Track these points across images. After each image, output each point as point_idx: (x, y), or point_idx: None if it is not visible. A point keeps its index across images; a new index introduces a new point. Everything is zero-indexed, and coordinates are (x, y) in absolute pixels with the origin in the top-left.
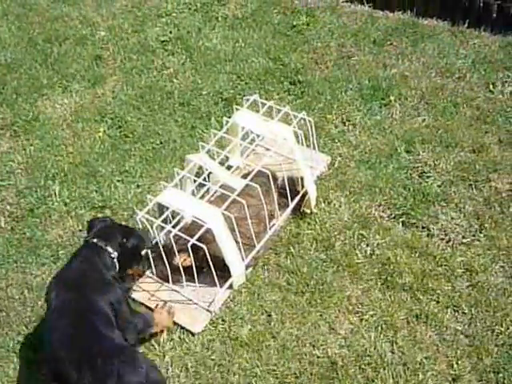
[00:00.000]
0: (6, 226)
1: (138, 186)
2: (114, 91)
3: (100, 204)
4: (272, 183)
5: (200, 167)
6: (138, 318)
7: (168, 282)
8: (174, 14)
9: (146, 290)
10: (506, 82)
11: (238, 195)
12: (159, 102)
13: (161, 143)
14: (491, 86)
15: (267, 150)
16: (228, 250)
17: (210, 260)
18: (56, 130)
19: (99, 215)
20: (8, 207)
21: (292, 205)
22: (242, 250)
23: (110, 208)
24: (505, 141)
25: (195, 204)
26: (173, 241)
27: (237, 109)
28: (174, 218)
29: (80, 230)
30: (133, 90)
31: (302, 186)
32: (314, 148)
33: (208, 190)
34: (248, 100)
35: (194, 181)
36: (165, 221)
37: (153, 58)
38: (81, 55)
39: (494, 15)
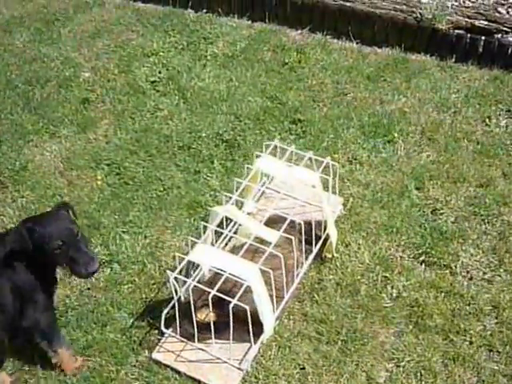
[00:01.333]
0: None
1: (145, 237)
2: (106, 135)
3: (107, 258)
4: (298, 230)
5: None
6: None
7: (193, 340)
8: (162, 53)
9: (170, 350)
10: (499, 115)
11: (261, 244)
12: (157, 145)
13: (164, 190)
14: (487, 120)
15: (284, 194)
16: (264, 307)
17: (233, 315)
18: (48, 179)
19: (107, 271)
20: None
21: (315, 251)
22: (274, 302)
23: (118, 262)
24: (509, 174)
25: (231, 260)
26: (209, 299)
27: (258, 155)
28: (194, 270)
29: (88, 289)
30: (127, 133)
31: (320, 230)
32: (335, 192)
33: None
34: (269, 145)
35: (218, 232)
36: (185, 275)
37: (144, 99)
38: (66, 98)
39: (481, 50)
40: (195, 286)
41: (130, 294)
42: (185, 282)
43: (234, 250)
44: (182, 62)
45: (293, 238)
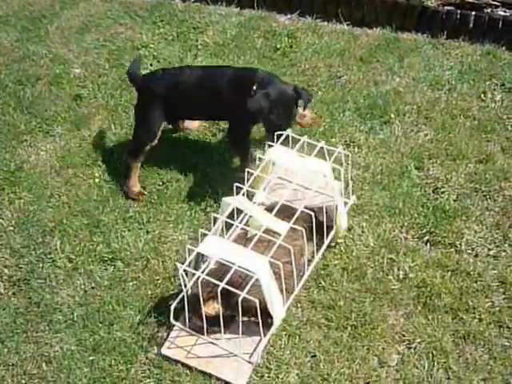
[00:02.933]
0: (6, 292)
1: (147, 233)
2: (101, 131)
3: (109, 256)
4: (307, 220)
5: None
6: None
7: (203, 334)
8: (152, 46)
9: (180, 345)
10: (494, 89)
11: (269, 236)
12: None
13: (163, 183)
14: (482, 95)
15: (289, 182)
16: (274, 299)
17: (242, 307)
18: (45, 179)
19: (110, 269)
20: (6, 270)
21: (327, 241)
22: (284, 293)
23: (121, 260)
24: (507, 148)
25: (240, 252)
26: (219, 292)
27: (269, 145)
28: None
29: (92, 288)
30: (122, 128)
31: (330, 220)
32: (347, 182)
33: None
34: (281, 135)
35: (228, 224)
36: (194, 267)
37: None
38: (58, 96)
39: (471, 25)
40: (203, 279)
41: (135, 290)
42: (193, 274)
43: (245, 241)
44: (172, 53)
45: (303, 229)
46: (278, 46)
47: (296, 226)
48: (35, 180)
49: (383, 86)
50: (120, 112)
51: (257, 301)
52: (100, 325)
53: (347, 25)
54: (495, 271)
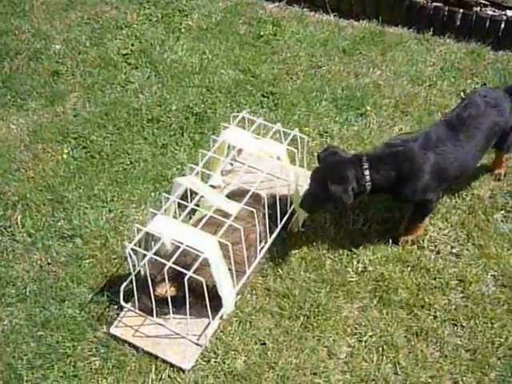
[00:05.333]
0: None
1: (109, 211)
2: (75, 109)
3: (69, 233)
4: (262, 204)
5: (185, 189)
6: None
7: (152, 315)
8: (135, 26)
9: (129, 325)
10: (475, 88)
11: (223, 217)
12: (126, 118)
13: (131, 163)
14: (462, 93)
15: (249, 167)
16: (223, 281)
17: (193, 289)
18: (13, 152)
19: (69, 245)
20: None
21: (280, 225)
22: (234, 276)
23: (81, 237)
24: None
25: (188, 232)
26: (165, 272)
27: (224, 126)
28: (155, 243)
29: (49, 264)
30: (96, 107)
31: (286, 204)
32: (303, 166)
33: (190, 212)
34: (236, 117)
35: (179, 204)
36: (146, 248)
37: (115, 72)
38: (35, 71)
39: (458, 23)
40: (154, 260)
41: (90, 268)
42: (145, 254)
43: (198, 223)
44: (155, 34)
45: (255, 210)
46: (262, 34)
47: (247, 207)
48: (3, 153)
49: (363, 78)
50: (96, 90)
51: (203, 280)
52: (52, 301)
53: (334, 16)
54: (455, 269)
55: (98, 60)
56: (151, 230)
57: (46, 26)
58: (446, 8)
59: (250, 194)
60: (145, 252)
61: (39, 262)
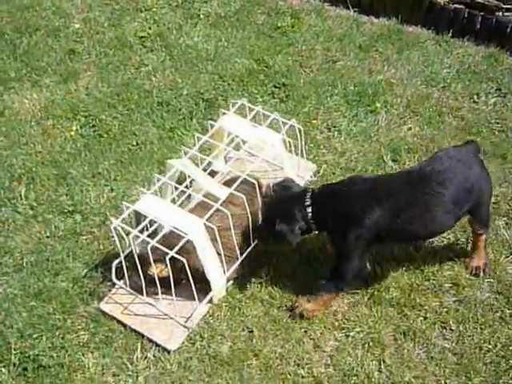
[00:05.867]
0: None
1: (111, 190)
2: (87, 88)
3: (70, 209)
4: (258, 192)
5: (181, 173)
6: None
7: (142, 294)
8: (154, 9)
9: (119, 302)
10: (489, 93)
11: (220, 204)
12: (136, 100)
13: (137, 144)
14: (475, 97)
15: (252, 156)
16: (209, 263)
17: (188, 272)
18: (23, 126)
19: (68, 221)
20: None
21: None
22: (224, 262)
23: (81, 213)
24: (489, 152)
25: (175, 213)
26: (149, 251)
27: (223, 113)
28: (152, 225)
29: (47, 237)
30: (108, 87)
31: None
32: (302, 156)
33: (189, 197)
34: (235, 104)
35: (175, 187)
36: (142, 228)
37: (130, 54)
38: (53, 48)
39: (478, 26)
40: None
41: (87, 245)
42: (136, 235)
43: (196, 207)
44: (173, 19)
45: (244, 196)
46: (280, 25)
47: (236, 193)
48: (14, 126)
49: (376, 75)
50: (110, 70)
51: (184, 260)
52: (46, 273)
53: (354, 11)
54: (450, 272)
55: (115, 41)
56: (138, 208)
57: (67, 4)
58: (467, 10)
59: (251, 181)
60: (139, 234)
61: (38, 235)
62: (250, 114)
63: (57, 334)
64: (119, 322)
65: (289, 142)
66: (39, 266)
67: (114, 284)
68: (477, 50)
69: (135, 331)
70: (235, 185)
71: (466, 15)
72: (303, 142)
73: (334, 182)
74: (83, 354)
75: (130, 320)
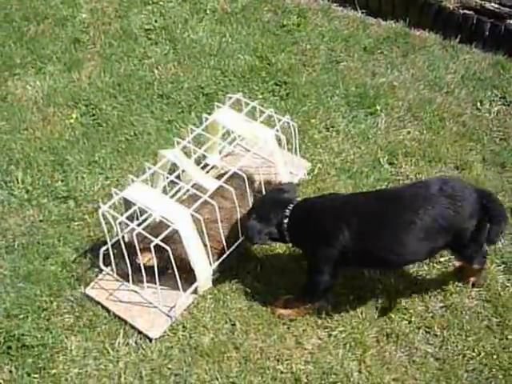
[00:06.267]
0: None
1: (106, 178)
2: (90, 77)
3: (64, 194)
4: (248, 186)
5: (174, 164)
6: None
7: (128, 281)
8: (162, 3)
9: (105, 288)
10: (493, 100)
11: (211, 197)
12: (137, 91)
13: (135, 135)
14: (479, 104)
15: (247, 151)
16: (194, 254)
17: (174, 262)
18: (25, 112)
19: (62, 206)
20: None
21: None
22: (211, 254)
23: (75, 199)
24: (489, 160)
25: (163, 202)
26: (135, 239)
27: (218, 106)
28: (142, 214)
29: (40, 221)
30: (110, 77)
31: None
32: (296, 153)
33: (180, 188)
34: (231, 98)
35: (167, 177)
36: (132, 216)
37: (135, 45)
38: (59, 36)
39: (487, 33)
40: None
41: (79, 230)
42: (128, 224)
43: (189, 198)
44: (179, 13)
45: (233, 190)
46: (285, 23)
47: (226, 185)
48: (16, 112)
49: (379, 78)
50: (113, 61)
51: (169, 249)
52: (37, 256)
53: (362, 12)
54: (439, 278)
55: (120, 32)
56: (126, 195)
57: None
58: (476, 16)
59: (243, 177)
60: (127, 221)
61: (31, 218)
62: (245, 108)
63: (42, 315)
64: (104, 307)
65: (282, 138)
66: (30, 249)
67: (101, 270)
68: (484, 57)
69: (119, 317)
70: (224, 178)
71: (474, 21)
72: (297, 140)
73: (314, 196)
74: (66, 337)
75: (114, 306)
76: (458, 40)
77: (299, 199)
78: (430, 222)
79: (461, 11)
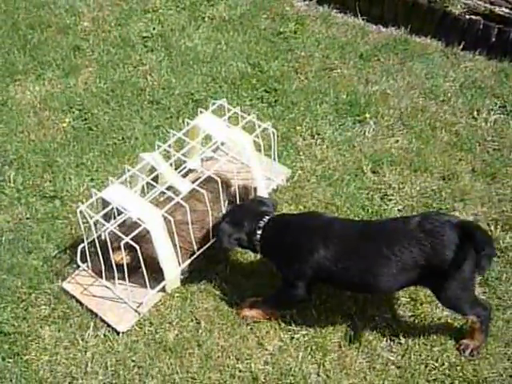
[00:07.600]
0: None
1: (91, 180)
2: (86, 83)
3: (51, 194)
4: (222, 190)
5: (153, 166)
6: None
7: (102, 277)
8: (161, 11)
9: (80, 283)
10: (491, 109)
11: (186, 199)
12: (129, 97)
13: (123, 139)
14: (475, 113)
15: (226, 155)
16: (163, 253)
17: (145, 261)
18: (22, 116)
19: (48, 205)
20: None
21: None
22: (181, 254)
23: (61, 199)
24: (478, 170)
25: (137, 203)
26: (108, 237)
27: (201, 111)
28: (119, 214)
29: (27, 218)
30: (105, 83)
31: (250, 195)
32: (275, 160)
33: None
34: (214, 104)
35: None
36: (109, 216)
37: (131, 52)
38: (60, 44)
39: (493, 39)
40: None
41: (62, 228)
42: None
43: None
44: (177, 20)
45: (204, 192)
46: (282, 30)
47: (198, 188)
48: (14, 115)
49: (373, 85)
50: (109, 67)
51: (137, 247)
52: (21, 251)
53: (363, 19)
54: (410, 289)
55: (118, 40)
56: (104, 195)
57: (80, 3)
58: (482, 22)
59: (219, 180)
60: (102, 220)
61: (19, 216)
62: (227, 114)
63: (21, 305)
64: (78, 301)
65: (260, 144)
66: (15, 244)
67: (78, 266)
68: (487, 65)
69: (91, 311)
70: (199, 181)
71: (480, 27)
72: (275, 146)
73: (293, 213)
74: (41, 327)
75: (87, 300)
76: (461, 47)
77: (277, 214)
78: (406, 258)
79: (467, 16)
